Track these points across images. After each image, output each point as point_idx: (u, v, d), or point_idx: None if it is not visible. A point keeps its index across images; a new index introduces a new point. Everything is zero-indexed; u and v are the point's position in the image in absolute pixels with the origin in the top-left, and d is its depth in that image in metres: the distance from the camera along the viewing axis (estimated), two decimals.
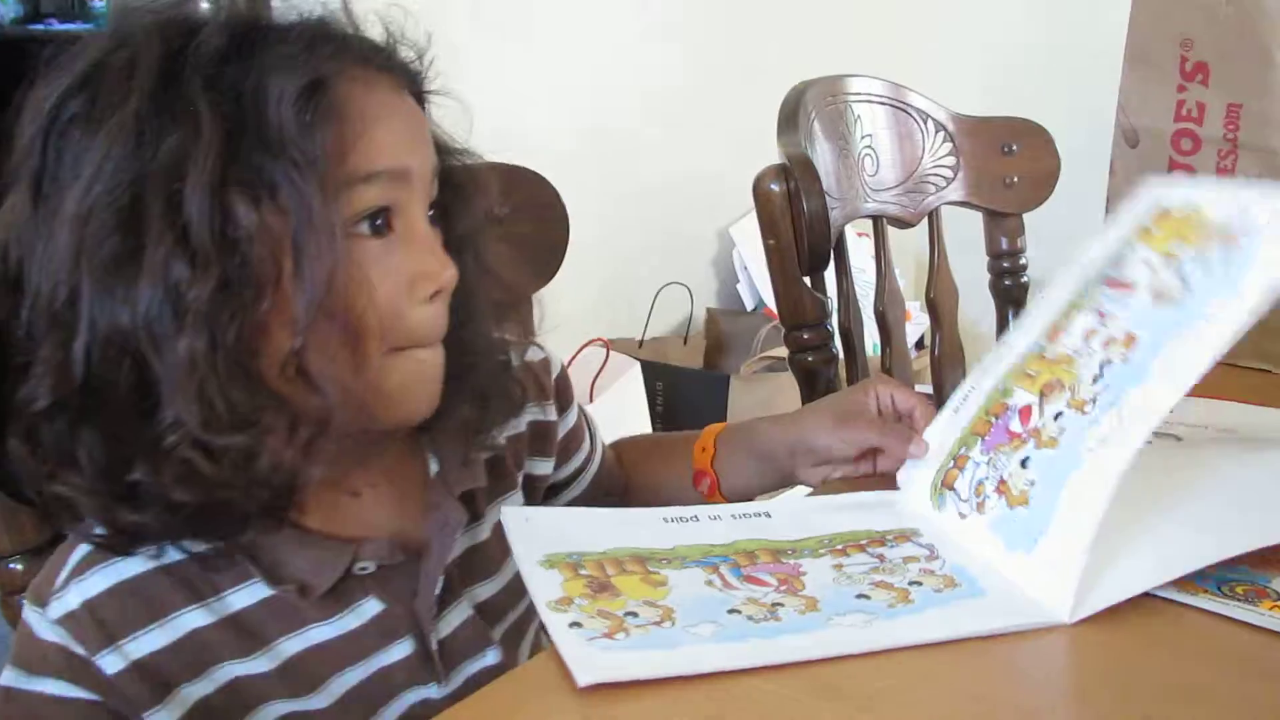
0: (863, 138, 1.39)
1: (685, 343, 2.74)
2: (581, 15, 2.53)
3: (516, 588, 0.86)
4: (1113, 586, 0.73)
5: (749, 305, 2.88)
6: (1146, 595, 0.76)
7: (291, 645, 0.76)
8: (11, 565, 0.81)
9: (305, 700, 0.76)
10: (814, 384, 1.30)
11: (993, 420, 0.85)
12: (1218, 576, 0.77)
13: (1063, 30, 3.10)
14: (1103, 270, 0.85)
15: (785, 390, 2.43)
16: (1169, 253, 0.82)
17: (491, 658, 0.83)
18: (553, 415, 0.95)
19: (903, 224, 1.44)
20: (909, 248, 2.96)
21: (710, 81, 2.80)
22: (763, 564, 0.75)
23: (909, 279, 3.05)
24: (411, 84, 0.77)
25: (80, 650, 0.71)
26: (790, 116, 1.29)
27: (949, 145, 1.48)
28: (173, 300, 0.64)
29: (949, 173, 1.48)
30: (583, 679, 0.63)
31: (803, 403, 1.30)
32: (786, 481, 0.98)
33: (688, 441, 1.02)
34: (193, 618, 0.73)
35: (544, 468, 0.95)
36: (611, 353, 2.35)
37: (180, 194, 0.65)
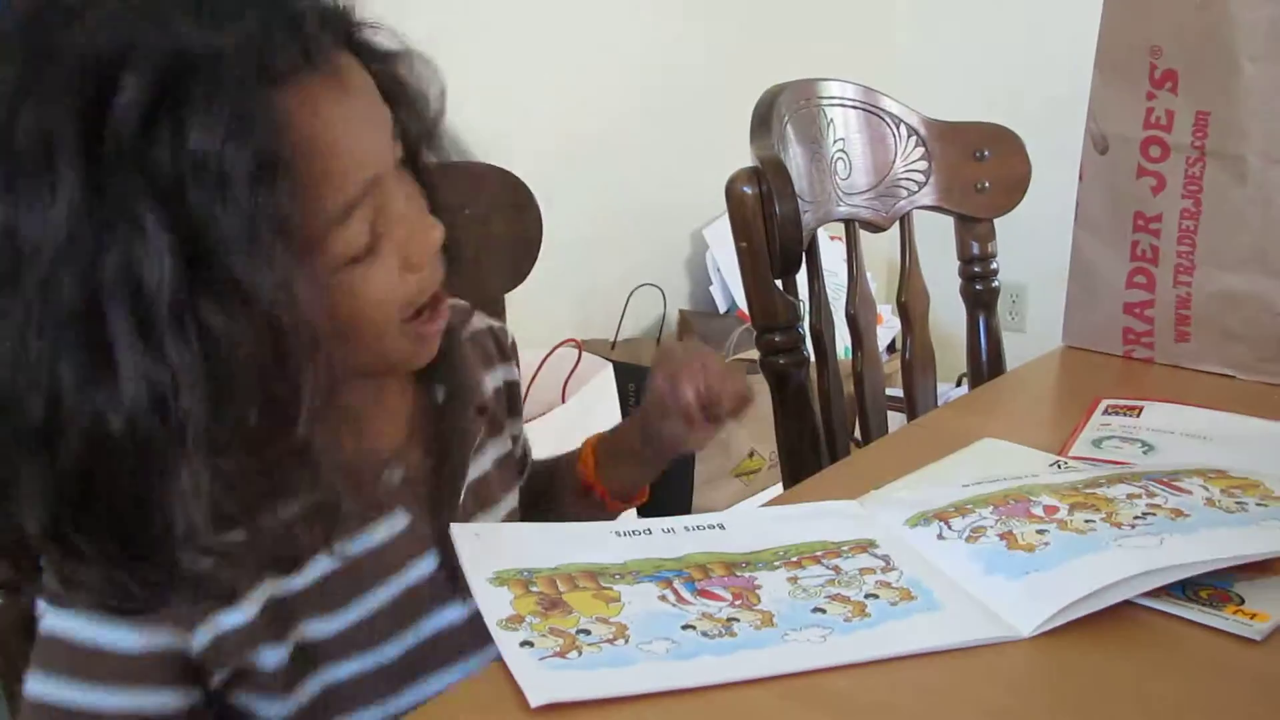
0: (835, 141, 1.40)
1: (658, 344, 2.74)
2: (556, 16, 2.53)
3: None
4: (1065, 598, 0.74)
5: (722, 308, 2.88)
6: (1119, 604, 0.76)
7: (325, 562, 0.76)
8: None
9: (338, 616, 0.78)
10: (785, 386, 1.30)
11: (1012, 502, 0.86)
12: (1182, 580, 0.78)
13: (1036, 36, 3.12)
14: (1153, 472, 0.89)
15: (757, 392, 2.44)
16: (1229, 491, 0.86)
17: None
18: (515, 375, 0.99)
19: (875, 228, 1.45)
20: (881, 251, 2.98)
21: (683, 84, 2.80)
22: (716, 578, 0.74)
23: (880, 282, 3.06)
24: (353, 51, 0.71)
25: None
26: (763, 119, 1.29)
27: (921, 150, 1.49)
28: (160, 410, 0.60)
29: (921, 177, 1.49)
30: (535, 699, 0.63)
31: (774, 405, 1.30)
32: (661, 455, 0.99)
33: (570, 459, 1.04)
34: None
35: (516, 428, 0.98)
36: (584, 354, 2.35)
37: (142, 306, 0.59)
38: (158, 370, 0.60)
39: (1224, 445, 1.03)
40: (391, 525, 0.80)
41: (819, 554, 0.78)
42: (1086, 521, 0.81)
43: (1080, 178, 1.29)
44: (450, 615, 0.83)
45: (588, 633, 0.68)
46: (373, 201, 0.70)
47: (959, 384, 2.78)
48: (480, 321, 0.96)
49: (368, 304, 0.71)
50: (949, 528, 0.82)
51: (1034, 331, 3.17)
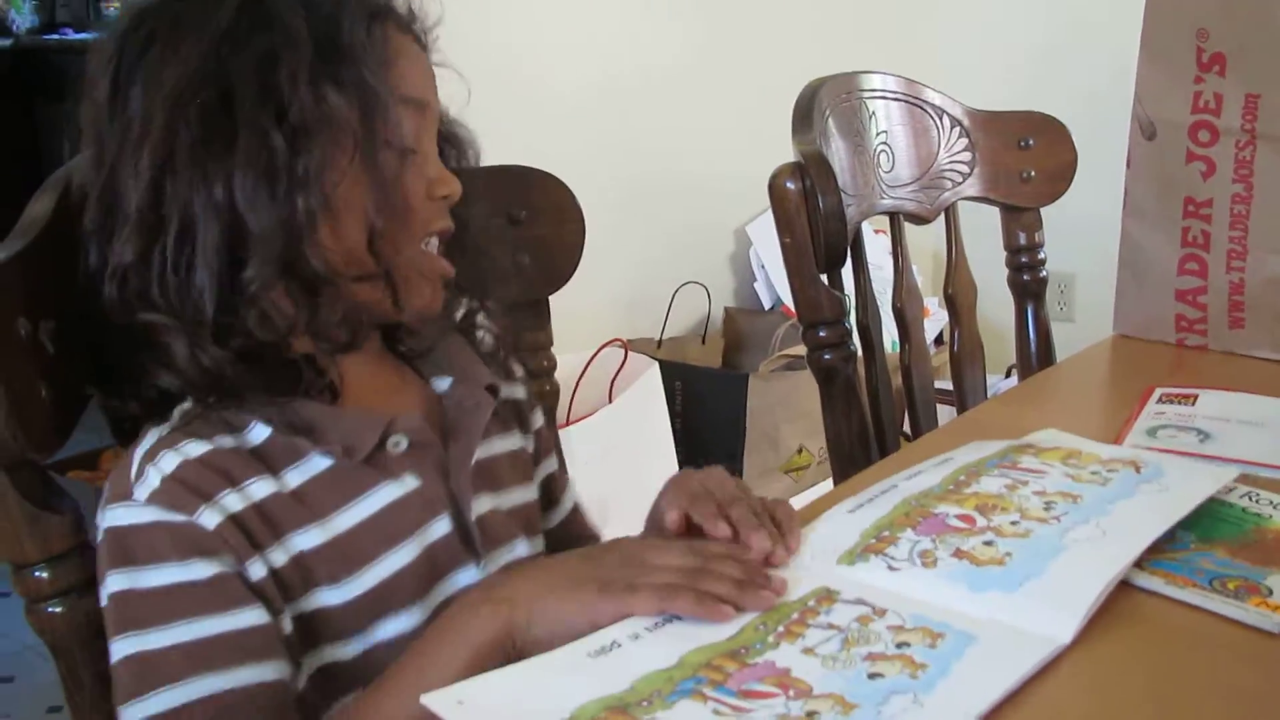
0: (878, 134, 1.39)
1: (703, 342, 2.74)
2: (593, 10, 2.53)
3: (525, 516, 0.95)
4: (1082, 593, 0.75)
5: (766, 304, 2.87)
6: (1135, 592, 0.77)
7: (344, 519, 0.82)
8: (37, 573, 0.81)
9: (356, 579, 0.81)
10: (833, 382, 1.30)
11: (919, 520, 0.85)
12: (1211, 571, 0.78)
13: (1079, 22, 3.08)
14: (985, 466, 0.94)
15: (804, 388, 2.43)
16: (1068, 462, 0.93)
17: (521, 549, 0.91)
18: (522, 394, 1.01)
19: (920, 220, 1.44)
20: (926, 244, 2.96)
21: (725, 79, 2.80)
22: (739, 673, 0.70)
23: (926, 275, 3.04)
24: (422, 44, 0.89)
25: (179, 516, 0.76)
26: (805, 114, 1.29)
27: (965, 140, 1.48)
28: (269, 174, 0.77)
29: (965, 168, 1.47)
30: None
31: (822, 400, 1.30)
32: None
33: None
34: (261, 487, 0.79)
35: (529, 444, 1.00)
36: (630, 353, 2.35)
37: (273, 84, 0.77)
38: (273, 135, 0.78)
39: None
40: (404, 486, 0.85)
41: (795, 616, 0.75)
42: (1013, 524, 0.84)
43: (1128, 164, 1.28)
44: (467, 577, 0.86)
45: None
46: (417, 118, 0.85)
47: (1008, 375, 2.76)
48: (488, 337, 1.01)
49: (401, 187, 0.83)
50: (892, 559, 0.81)
51: (1083, 321, 3.14)
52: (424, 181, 0.86)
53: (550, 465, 1.04)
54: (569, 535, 1.04)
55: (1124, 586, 0.78)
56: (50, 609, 0.81)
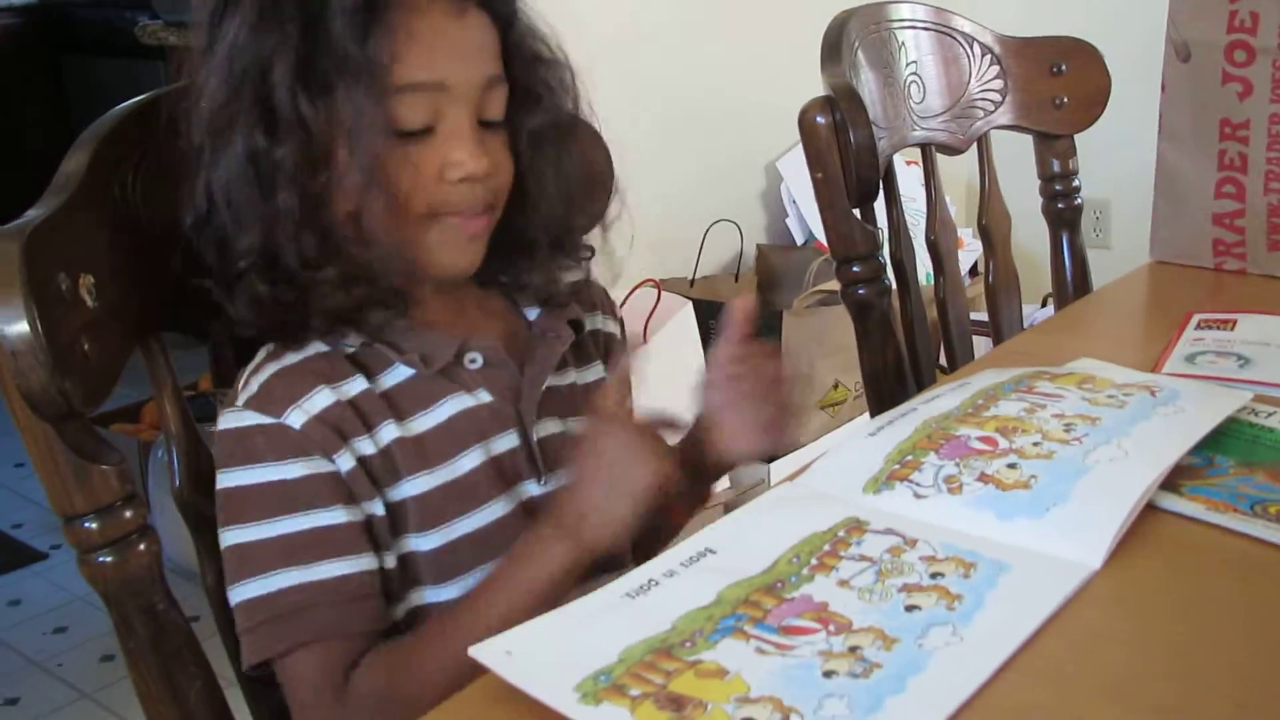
0: (908, 65, 1.37)
1: (736, 280, 2.73)
2: None
3: None
4: (1109, 516, 0.75)
5: (799, 240, 2.86)
6: (1172, 518, 0.77)
7: (423, 421, 0.90)
8: (86, 524, 0.82)
9: (430, 475, 0.89)
10: (867, 316, 1.29)
11: (941, 442, 0.85)
12: (1252, 496, 0.78)
13: None
14: (1002, 389, 0.93)
15: (839, 324, 2.42)
16: (1083, 385, 0.93)
17: None
18: (616, 331, 1.07)
19: (952, 151, 1.42)
20: (959, 174, 2.93)
21: (751, 13, 2.77)
22: (778, 609, 0.70)
23: (960, 205, 3.01)
24: (479, 2, 0.89)
25: (270, 419, 0.85)
26: (833, 47, 1.27)
27: (996, 68, 1.46)
28: (254, 161, 0.83)
29: (997, 96, 1.46)
30: None
31: (857, 335, 1.30)
32: (718, 466, 0.98)
33: None
34: (354, 385, 0.88)
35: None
36: (663, 293, 2.35)
37: (268, 81, 0.82)
38: (259, 128, 0.83)
39: None
40: (476, 398, 0.92)
41: (826, 548, 0.76)
42: (1035, 445, 0.84)
43: (1162, 88, 1.26)
44: (530, 489, 0.93)
45: None
46: (433, 102, 0.86)
47: (1044, 305, 2.74)
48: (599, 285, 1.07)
49: (405, 174, 0.86)
50: (918, 485, 0.81)
51: (1120, 248, 3.10)
52: (436, 163, 0.87)
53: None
54: None
55: (1162, 512, 0.78)
56: (101, 559, 0.83)
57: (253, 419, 0.85)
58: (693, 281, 2.67)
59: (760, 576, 0.73)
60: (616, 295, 2.27)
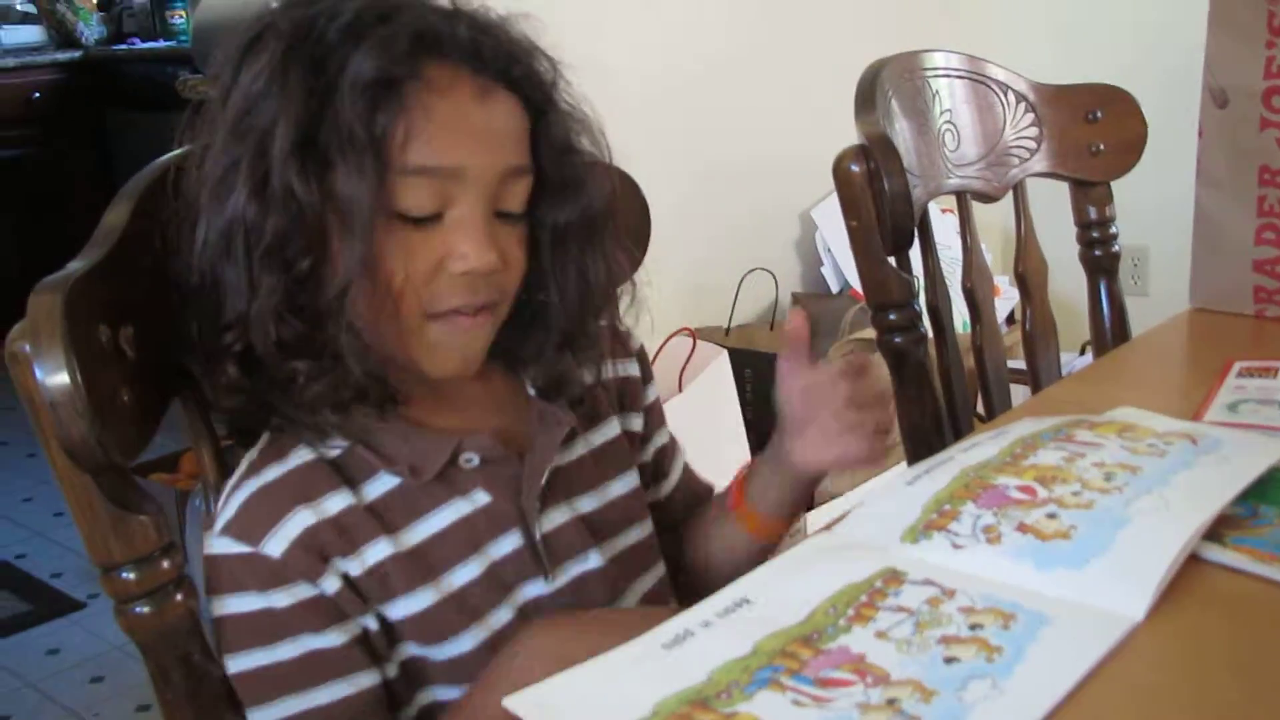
0: (942, 113, 1.38)
1: (772, 328, 2.73)
2: (651, 1, 2.53)
3: (622, 508, 0.95)
4: (1151, 568, 0.74)
5: (834, 288, 2.86)
6: (1215, 569, 0.76)
7: (415, 533, 0.85)
8: (124, 574, 0.82)
9: (426, 592, 0.84)
10: (904, 365, 1.29)
11: (979, 492, 0.85)
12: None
13: None
14: (1041, 438, 0.92)
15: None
16: (1123, 434, 0.92)
17: (594, 561, 0.91)
18: (635, 372, 1.02)
19: (987, 199, 1.42)
20: (994, 221, 2.92)
21: (783, 63, 2.78)
22: (815, 660, 0.69)
23: (995, 252, 3.00)
24: (510, 85, 0.84)
25: (248, 548, 0.81)
26: (867, 95, 1.28)
27: (1031, 116, 1.46)
28: (242, 230, 0.77)
29: (1032, 144, 1.45)
30: None
31: (894, 384, 1.29)
32: (804, 477, 0.96)
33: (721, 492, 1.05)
34: (337, 500, 0.83)
35: (636, 423, 1.01)
36: (698, 342, 2.35)
37: (267, 147, 0.77)
38: (253, 197, 0.77)
39: None
40: (473, 502, 0.87)
41: (863, 599, 0.75)
42: (1075, 495, 0.82)
43: (1199, 134, 1.25)
44: (535, 590, 0.88)
45: None
46: (444, 188, 0.80)
47: (1082, 353, 2.72)
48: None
49: (403, 263, 0.80)
50: (955, 535, 0.80)
51: (1158, 295, 3.08)
52: (439, 253, 0.81)
53: (662, 438, 1.05)
54: (684, 499, 1.05)
55: (1206, 564, 0.77)
56: (138, 609, 0.83)
57: (232, 547, 0.82)
58: (728, 330, 2.67)
59: (797, 627, 0.73)
60: (651, 344, 2.28)
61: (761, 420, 2.46)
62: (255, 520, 0.82)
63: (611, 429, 0.98)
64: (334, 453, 0.84)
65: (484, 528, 0.87)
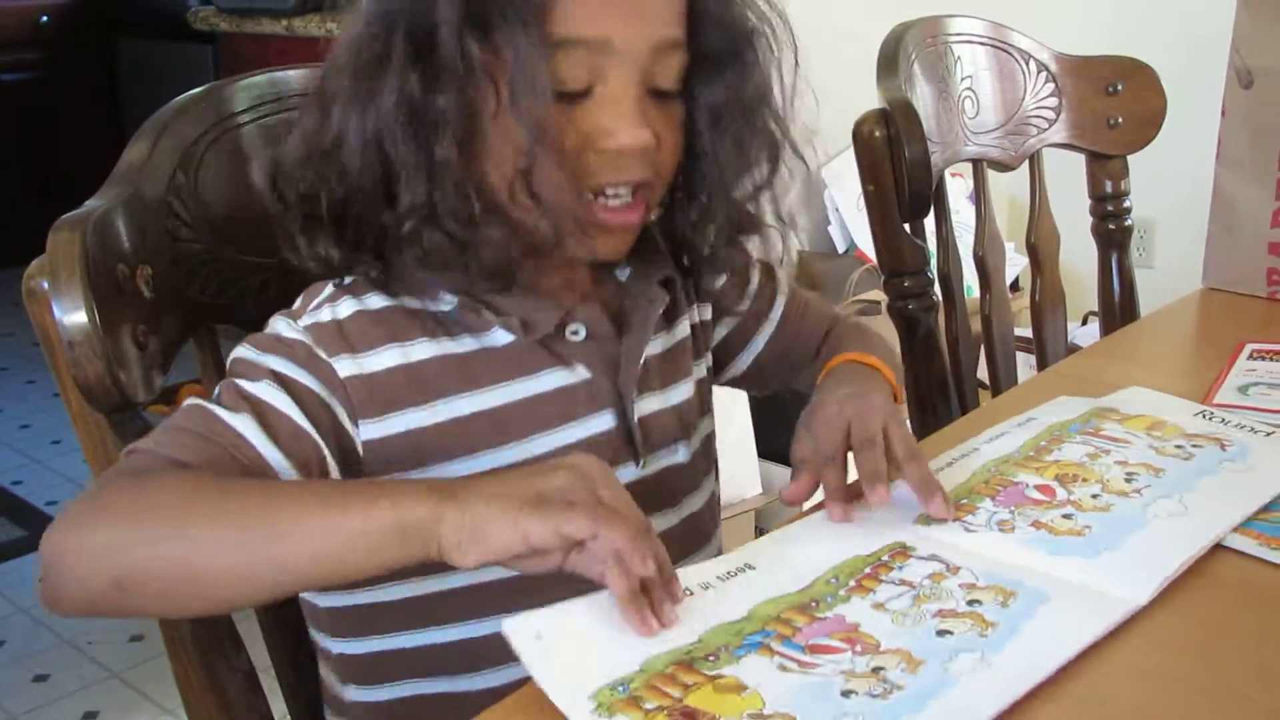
0: (963, 79, 1.37)
1: None
2: None
3: (698, 404, 0.94)
4: (1162, 561, 0.75)
5: (841, 248, 2.85)
6: (1223, 552, 0.77)
7: (508, 392, 0.83)
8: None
9: (507, 450, 0.82)
10: (914, 331, 1.29)
11: (999, 489, 0.85)
12: None
13: None
14: (1068, 430, 0.93)
15: (880, 333, 2.41)
16: (1151, 433, 0.93)
17: (682, 455, 0.91)
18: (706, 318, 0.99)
19: (1003, 167, 1.41)
20: (1003, 188, 2.90)
21: (798, 22, 2.76)
22: (808, 627, 0.70)
23: (1002, 218, 2.99)
24: None
25: (321, 352, 0.79)
26: (890, 59, 1.27)
27: (1051, 86, 1.45)
28: (408, 115, 0.75)
29: (1051, 114, 1.45)
30: None
31: (902, 351, 1.29)
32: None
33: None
34: (426, 348, 0.82)
35: (706, 313, 0.99)
36: None
37: (427, 27, 0.75)
38: (415, 74, 0.75)
39: None
40: (574, 375, 0.85)
41: (867, 570, 0.76)
42: (1094, 497, 0.83)
43: (1222, 114, 1.25)
44: (624, 474, 0.86)
45: None
46: (593, 61, 0.77)
47: (1084, 322, 2.72)
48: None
49: (558, 138, 0.77)
50: (968, 524, 0.81)
51: (1163, 268, 3.08)
52: (587, 129, 0.78)
53: (779, 307, 1.04)
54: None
55: (1214, 548, 0.77)
56: None
57: (301, 336, 0.80)
58: None
59: (796, 595, 0.73)
60: None
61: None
62: (343, 338, 0.80)
63: (683, 328, 0.95)
64: (439, 307, 0.82)
65: (581, 401, 0.85)
